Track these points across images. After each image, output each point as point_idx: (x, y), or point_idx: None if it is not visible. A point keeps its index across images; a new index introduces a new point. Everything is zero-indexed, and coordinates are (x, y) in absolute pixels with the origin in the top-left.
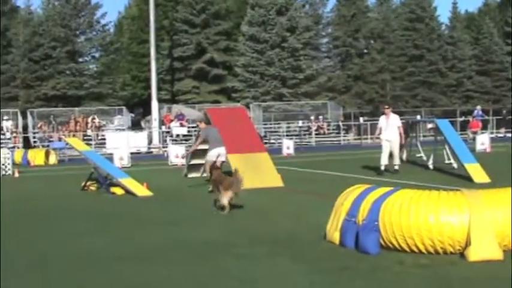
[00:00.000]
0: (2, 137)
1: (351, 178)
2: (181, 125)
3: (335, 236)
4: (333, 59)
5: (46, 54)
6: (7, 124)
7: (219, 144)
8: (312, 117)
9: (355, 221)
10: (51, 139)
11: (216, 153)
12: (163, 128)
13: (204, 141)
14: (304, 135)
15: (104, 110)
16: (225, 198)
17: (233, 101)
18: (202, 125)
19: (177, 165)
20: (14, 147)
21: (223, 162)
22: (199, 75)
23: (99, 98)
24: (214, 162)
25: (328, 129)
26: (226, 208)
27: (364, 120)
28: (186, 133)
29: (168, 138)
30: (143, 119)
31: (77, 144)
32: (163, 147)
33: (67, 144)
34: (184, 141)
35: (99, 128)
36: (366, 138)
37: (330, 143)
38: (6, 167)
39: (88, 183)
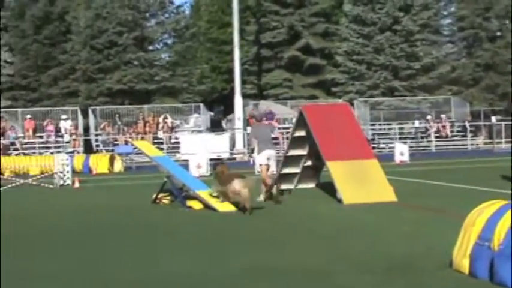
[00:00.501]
0: (59, 140)
1: (482, 192)
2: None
3: (463, 264)
4: (458, 44)
5: (111, 42)
6: (65, 125)
7: (270, 145)
8: (431, 117)
9: (489, 245)
10: (116, 142)
11: (267, 156)
12: (249, 130)
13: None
14: (422, 138)
15: (178, 107)
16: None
17: (333, 97)
18: (252, 122)
19: None
20: (73, 152)
21: (269, 167)
22: (291, 65)
23: (173, 94)
24: (266, 165)
25: (451, 131)
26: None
27: (497, 120)
28: (276, 135)
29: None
30: (224, 118)
31: (147, 148)
32: (249, 152)
33: (135, 148)
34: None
35: (172, 129)
36: (500, 142)
37: (453, 148)
38: (64, 175)
39: (160, 195)
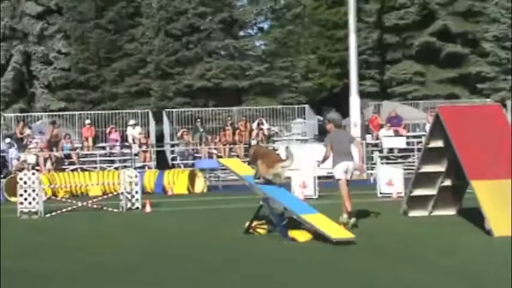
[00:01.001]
0: (126, 151)
1: None
2: (397, 134)
3: None
4: None
5: (191, 26)
6: (133, 132)
7: (347, 156)
8: None
9: None
10: (197, 155)
11: (344, 168)
12: (369, 139)
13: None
14: None
15: (277, 110)
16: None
17: (479, 96)
18: (330, 127)
19: (391, 196)
20: (143, 167)
21: (348, 180)
22: (424, 54)
23: (270, 92)
24: (345, 179)
25: None
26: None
27: None
28: (404, 146)
29: (376, 154)
30: None
31: (237, 167)
32: (370, 168)
33: (221, 165)
34: (401, 160)
35: (269, 137)
36: None
37: None
38: (132, 196)
39: (254, 222)
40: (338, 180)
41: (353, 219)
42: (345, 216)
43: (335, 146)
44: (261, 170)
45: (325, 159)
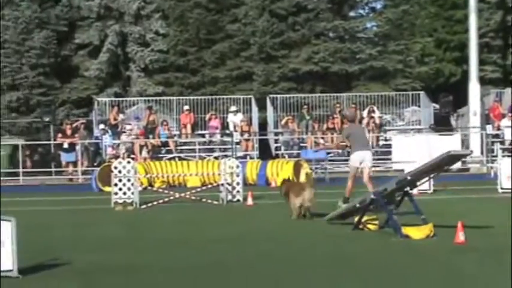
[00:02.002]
0: (227, 140)
1: None
2: None
3: None
4: None
5: (297, 6)
6: (235, 119)
7: (363, 146)
8: None
9: None
10: (302, 144)
11: (360, 158)
12: (489, 129)
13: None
14: None
15: (390, 97)
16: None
17: None
18: (345, 122)
19: None
20: (245, 156)
21: (370, 168)
22: None
23: (382, 78)
24: (357, 168)
25: None
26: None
27: None
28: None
29: (497, 146)
30: (454, 113)
31: None
32: (490, 161)
33: (329, 153)
34: None
35: (380, 126)
36: None
37: None
38: (234, 188)
39: (364, 218)
40: (352, 168)
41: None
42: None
43: (352, 137)
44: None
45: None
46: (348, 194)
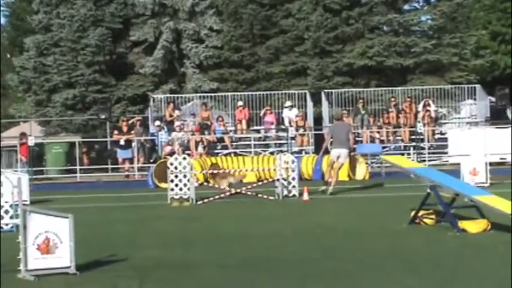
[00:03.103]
0: (282, 135)
1: None
2: None
3: None
4: None
5: (352, 0)
6: (290, 114)
7: (340, 144)
8: None
9: None
10: (358, 138)
11: (337, 154)
12: None
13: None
14: None
15: (445, 90)
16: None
17: None
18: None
19: None
20: (300, 151)
21: (342, 164)
22: None
23: (437, 71)
24: (334, 162)
25: None
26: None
27: None
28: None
29: None
30: (510, 105)
31: (401, 161)
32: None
33: (384, 147)
34: None
35: (436, 120)
36: None
37: None
38: (289, 183)
39: (421, 212)
40: (331, 159)
41: (329, 188)
42: (324, 187)
43: (334, 135)
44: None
45: (325, 146)
46: (326, 177)
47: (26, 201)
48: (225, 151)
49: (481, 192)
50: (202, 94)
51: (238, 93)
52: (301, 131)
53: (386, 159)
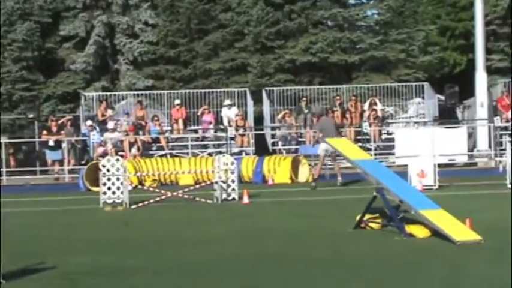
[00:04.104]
0: (221, 135)
1: None
2: None
3: None
4: None
5: None
6: (229, 114)
7: (327, 137)
8: None
9: None
10: (301, 139)
11: (326, 147)
12: (497, 121)
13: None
14: None
15: (392, 88)
16: None
17: None
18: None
19: None
20: (240, 152)
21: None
22: None
23: (383, 68)
24: (324, 155)
25: None
26: None
27: None
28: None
29: (505, 139)
30: (459, 104)
31: (346, 148)
32: (499, 155)
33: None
34: None
35: (383, 120)
36: None
37: None
38: (229, 186)
39: (366, 216)
40: (319, 155)
41: (338, 179)
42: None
43: (323, 131)
44: None
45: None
46: (316, 175)
47: None
48: (161, 152)
49: (428, 206)
50: (136, 92)
51: (175, 91)
52: (241, 131)
53: (330, 142)
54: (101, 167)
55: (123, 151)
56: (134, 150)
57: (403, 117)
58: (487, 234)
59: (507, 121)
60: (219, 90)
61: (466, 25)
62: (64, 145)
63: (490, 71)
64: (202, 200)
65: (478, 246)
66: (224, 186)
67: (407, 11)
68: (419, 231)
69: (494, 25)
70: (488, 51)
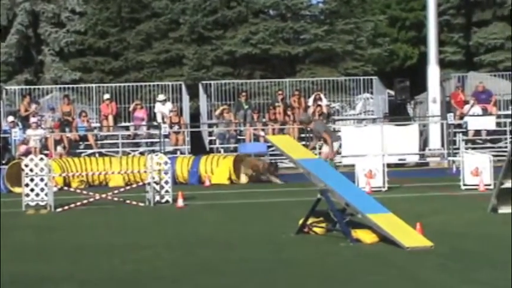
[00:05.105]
0: (154, 132)
1: None
2: (485, 112)
3: None
4: None
5: None
6: (163, 109)
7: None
8: None
9: None
10: (240, 137)
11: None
12: (451, 119)
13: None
14: None
15: (338, 82)
16: None
17: None
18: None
19: (477, 189)
20: (175, 151)
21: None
22: None
23: (329, 61)
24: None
25: None
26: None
27: None
28: (493, 127)
29: (459, 138)
30: (411, 100)
31: (289, 146)
32: (452, 154)
33: (270, 146)
34: (490, 144)
35: (329, 116)
36: None
37: None
38: (162, 187)
39: (310, 220)
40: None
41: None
42: None
43: (328, 131)
44: None
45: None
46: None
47: None
48: (89, 151)
49: (376, 209)
50: (62, 86)
51: (104, 85)
52: (175, 128)
53: (272, 140)
54: (23, 166)
55: (47, 149)
56: (60, 148)
57: (350, 114)
58: (438, 239)
59: (461, 118)
60: (152, 84)
61: (418, 15)
62: None
63: (443, 64)
64: (134, 202)
65: (428, 252)
66: (157, 187)
67: (355, 0)
68: (367, 237)
69: (447, 15)
70: (441, 43)
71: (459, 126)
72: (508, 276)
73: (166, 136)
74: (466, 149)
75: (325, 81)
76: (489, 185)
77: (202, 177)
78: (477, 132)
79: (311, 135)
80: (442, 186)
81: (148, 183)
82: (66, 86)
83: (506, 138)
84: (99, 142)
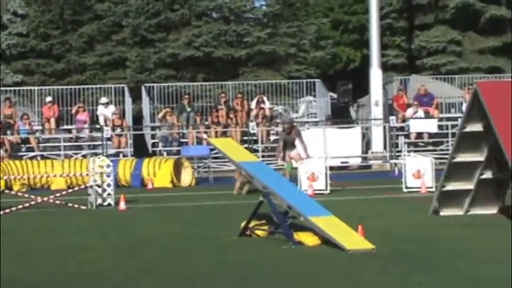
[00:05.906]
0: (96, 135)
1: None
2: (427, 115)
3: None
4: None
5: None
6: (105, 112)
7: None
8: None
9: None
10: (183, 140)
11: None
12: (393, 122)
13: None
14: None
15: (281, 85)
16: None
17: None
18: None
19: (419, 191)
20: (117, 154)
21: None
22: (461, 18)
23: (272, 64)
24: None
25: None
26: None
27: None
28: (435, 130)
29: (401, 141)
30: (353, 103)
31: (231, 149)
32: (394, 157)
33: (213, 149)
34: (432, 147)
35: (271, 119)
36: None
37: None
38: (104, 190)
39: (252, 223)
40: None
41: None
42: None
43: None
44: None
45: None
46: None
47: None
48: (31, 154)
49: (318, 212)
50: (4, 88)
51: (46, 88)
52: (118, 130)
53: (214, 143)
54: None
55: None
56: (1, 151)
57: (294, 116)
58: (380, 241)
59: (403, 121)
60: (94, 86)
61: (360, 19)
62: None
63: (386, 67)
64: (76, 205)
65: (370, 254)
66: (99, 190)
67: (298, 3)
68: (309, 239)
69: (390, 19)
70: (383, 46)
71: (401, 129)
72: (448, 278)
73: (108, 139)
74: (408, 151)
75: (268, 84)
76: (431, 187)
77: (145, 180)
78: (419, 135)
79: (254, 138)
80: (384, 188)
81: (91, 186)
82: (8, 88)
83: (448, 141)
84: (41, 145)
